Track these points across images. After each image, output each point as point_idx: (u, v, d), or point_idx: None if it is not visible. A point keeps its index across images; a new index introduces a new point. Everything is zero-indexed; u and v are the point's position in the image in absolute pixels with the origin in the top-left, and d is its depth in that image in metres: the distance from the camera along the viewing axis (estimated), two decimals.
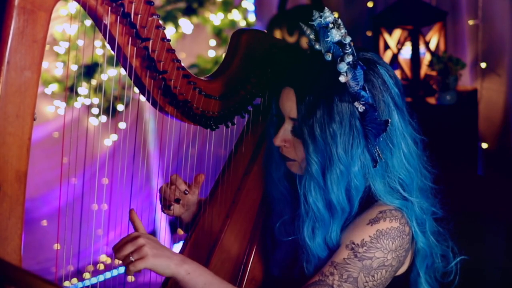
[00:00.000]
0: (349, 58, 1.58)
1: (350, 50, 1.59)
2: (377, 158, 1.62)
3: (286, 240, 1.78)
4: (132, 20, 1.57)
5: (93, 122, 3.63)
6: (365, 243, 1.61)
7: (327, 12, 1.62)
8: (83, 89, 3.63)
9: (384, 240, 1.61)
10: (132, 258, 1.52)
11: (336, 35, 1.60)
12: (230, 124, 1.87)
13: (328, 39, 1.60)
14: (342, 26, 1.62)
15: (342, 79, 1.58)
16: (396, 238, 1.62)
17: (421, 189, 1.71)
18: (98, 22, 1.57)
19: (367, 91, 1.59)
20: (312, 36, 1.66)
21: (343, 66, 1.58)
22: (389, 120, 1.60)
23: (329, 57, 1.61)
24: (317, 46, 1.65)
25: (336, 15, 1.69)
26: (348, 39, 1.60)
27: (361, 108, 1.59)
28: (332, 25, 1.61)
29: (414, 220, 1.68)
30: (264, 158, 1.84)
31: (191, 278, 1.56)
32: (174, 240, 3.82)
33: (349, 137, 1.59)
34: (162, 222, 3.68)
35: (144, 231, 1.62)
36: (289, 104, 1.63)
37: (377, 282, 1.61)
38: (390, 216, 1.63)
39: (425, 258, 1.74)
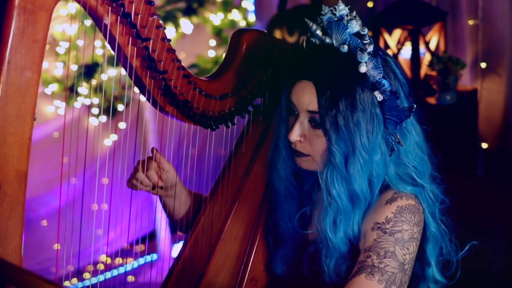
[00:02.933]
0: (370, 48, 1.61)
1: (369, 40, 1.62)
2: (394, 146, 1.64)
3: (290, 235, 1.78)
4: (132, 20, 1.57)
5: (93, 122, 3.63)
6: (390, 219, 1.62)
7: (341, 5, 1.65)
8: (83, 89, 3.63)
9: (406, 214, 1.63)
10: None
11: (356, 26, 1.63)
12: (230, 124, 1.87)
13: (347, 30, 1.62)
14: (358, 18, 1.64)
15: (363, 69, 1.60)
16: (416, 213, 1.65)
17: (431, 176, 1.74)
18: (98, 22, 1.57)
19: (387, 80, 1.62)
20: (318, 32, 1.67)
21: (364, 56, 1.60)
22: (414, 105, 1.63)
23: (345, 49, 1.63)
24: (328, 40, 1.66)
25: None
26: (366, 30, 1.63)
27: (379, 97, 1.62)
28: (348, 17, 1.64)
29: (425, 206, 1.70)
30: (270, 154, 1.83)
31: None
32: (174, 240, 3.82)
33: (371, 126, 1.62)
34: (162, 222, 3.68)
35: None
36: (308, 97, 1.63)
37: (411, 256, 1.62)
38: (405, 196, 1.66)
39: (437, 245, 1.74)
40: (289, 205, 1.80)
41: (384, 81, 1.61)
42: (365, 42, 1.62)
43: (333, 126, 1.61)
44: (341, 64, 1.62)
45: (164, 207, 1.95)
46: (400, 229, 1.61)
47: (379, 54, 1.62)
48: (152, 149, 1.84)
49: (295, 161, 1.73)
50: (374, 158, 1.63)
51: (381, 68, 1.61)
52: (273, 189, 1.83)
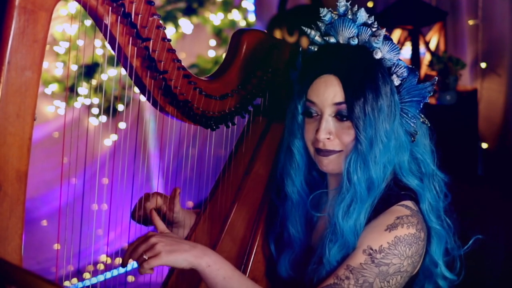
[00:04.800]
0: (383, 32, 1.64)
1: (378, 26, 1.65)
2: (416, 130, 1.67)
3: (298, 241, 1.77)
4: (132, 20, 1.57)
5: (93, 122, 3.64)
6: (383, 249, 1.61)
7: (342, 2, 1.67)
8: (83, 89, 3.63)
9: (401, 247, 1.62)
10: (145, 257, 1.55)
11: (364, 16, 1.65)
12: (230, 124, 1.87)
13: (357, 21, 1.64)
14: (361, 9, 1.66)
15: (378, 55, 1.63)
16: (413, 244, 1.63)
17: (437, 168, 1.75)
18: (98, 22, 1.57)
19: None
20: (317, 38, 1.68)
21: (379, 40, 1.63)
22: (436, 78, 1.66)
23: (355, 41, 1.65)
24: (332, 40, 1.67)
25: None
26: (372, 18, 1.66)
27: (397, 81, 1.65)
28: (350, 11, 1.66)
29: (428, 203, 1.70)
30: (282, 160, 1.80)
31: (211, 271, 1.58)
32: None
33: (390, 111, 1.63)
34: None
35: (163, 228, 1.67)
36: (332, 89, 1.63)
37: (391, 287, 1.62)
38: (407, 222, 1.63)
39: (441, 242, 1.73)
40: (300, 211, 1.79)
41: (400, 62, 1.64)
42: (374, 28, 1.64)
43: (361, 113, 1.61)
44: (358, 54, 1.64)
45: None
46: (388, 263, 1.61)
47: (389, 37, 1.65)
48: (175, 189, 1.84)
49: (320, 164, 1.69)
50: (391, 144, 1.64)
51: (398, 48, 1.64)
52: (285, 196, 1.80)
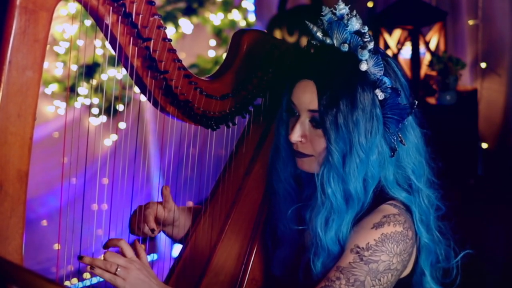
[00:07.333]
0: (371, 45, 1.61)
1: (369, 38, 1.62)
2: (395, 146, 1.64)
3: (288, 238, 1.77)
4: (133, 20, 1.57)
5: (93, 122, 3.64)
6: (370, 247, 1.60)
7: (341, 5, 1.66)
8: (83, 89, 3.63)
9: (389, 244, 1.61)
10: (118, 271, 1.60)
11: (356, 24, 1.63)
12: (231, 124, 1.87)
13: (348, 28, 1.63)
14: (358, 17, 1.65)
15: (363, 67, 1.61)
16: (400, 242, 1.62)
17: (428, 180, 1.73)
18: (99, 22, 1.57)
19: (388, 77, 1.63)
20: (319, 34, 1.68)
21: (365, 53, 1.60)
22: (416, 102, 1.63)
23: (345, 47, 1.63)
24: (328, 41, 1.66)
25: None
26: (366, 28, 1.64)
27: (381, 96, 1.62)
28: (347, 16, 1.64)
29: (418, 216, 1.68)
30: (270, 156, 1.83)
31: None
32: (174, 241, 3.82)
33: (370, 125, 1.61)
34: None
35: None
36: (309, 96, 1.63)
37: (383, 286, 1.61)
38: (394, 221, 1.63)
39: (430, 255, 1.73)
40: (288, 207, 1.79)
41: (385, 79, 1.61)
42: (366, 39, 1.62)
43: (332, 125, 1.60)
44: (342, 63, 1.63)
45: (164, 232, 1.95)
46: (377, 260, 1.60)
47: (380, 52, 1.63)
48: (164, 187, 1.85)
49: (296, 163, 1.72)
50: (370, 158, 1.62)
51: (382, 65, 1.61)
52: (272, 191, 1.82)
